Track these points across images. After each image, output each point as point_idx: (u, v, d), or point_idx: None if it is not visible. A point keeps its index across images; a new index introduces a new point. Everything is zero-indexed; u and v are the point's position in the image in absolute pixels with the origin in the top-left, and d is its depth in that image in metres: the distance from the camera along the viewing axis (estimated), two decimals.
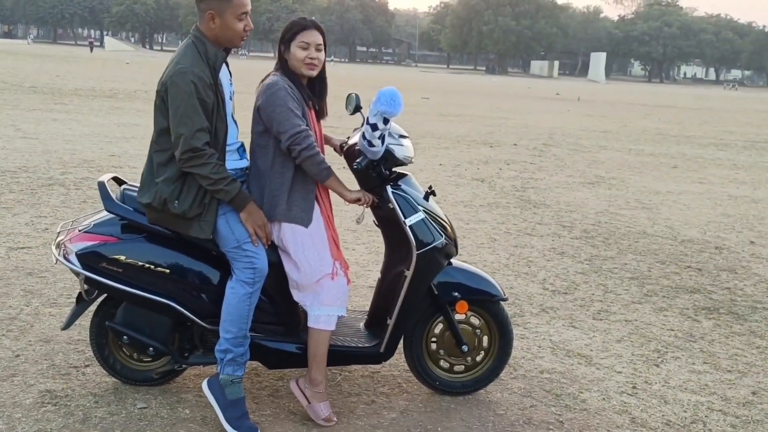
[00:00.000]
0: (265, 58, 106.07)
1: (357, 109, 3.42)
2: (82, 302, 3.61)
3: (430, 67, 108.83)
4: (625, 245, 7.33)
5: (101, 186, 3.44)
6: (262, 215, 3.29)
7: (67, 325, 3.63)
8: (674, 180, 12.02)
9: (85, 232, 3.43)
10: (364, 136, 3.28)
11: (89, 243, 3.39)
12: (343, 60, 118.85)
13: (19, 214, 6.89)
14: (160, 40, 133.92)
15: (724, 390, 4.10)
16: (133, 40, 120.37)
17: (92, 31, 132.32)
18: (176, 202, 3.19)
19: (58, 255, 3.45)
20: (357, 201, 3.38)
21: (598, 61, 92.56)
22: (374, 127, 3.22)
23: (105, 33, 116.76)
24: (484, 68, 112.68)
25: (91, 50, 76.63)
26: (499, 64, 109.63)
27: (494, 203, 9.07)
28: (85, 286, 3.47)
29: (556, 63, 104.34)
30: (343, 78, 43.21)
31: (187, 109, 3.11)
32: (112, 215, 3.45)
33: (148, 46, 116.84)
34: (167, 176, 3.21)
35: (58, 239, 3.53)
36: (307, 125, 3.28)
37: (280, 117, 3.23)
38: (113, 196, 3.45)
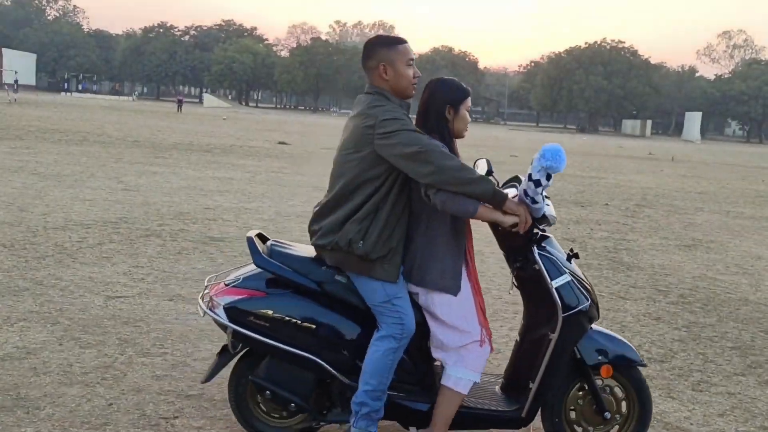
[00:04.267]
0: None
1: (489, 174, 3.45)
2: (224, 355, 3.64)
3: (519, 125, 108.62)
4: (726, 312, 6.99)
5: (250, 242, 3.52)
6: (517, 205, 3.24)
7: (209, 378, 3.66)
8: None
9: (233, 286, 3.50)
10: (526, 193, 3.23)
11: (237, 297, 3.45)
12: None
13: (118, 264, 7.13)
14: (255, 97, 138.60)
15: None
16: (230, 96, 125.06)
17: (191, 89, 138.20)
18: (361, 242, 3.25)
19: (205, 308, 3.52)
20: (515, 225, 3.25)
21: (694, 120, 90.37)
22: (537, 183, 3.18)
23: (204, 90, 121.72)
24: (574, 127, 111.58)
25: (179, 109, 59.09)
26: (589, 122, 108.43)
27: (585, 264, 8.84)
28: (232, 340, 3.52)
29: (649, 122, 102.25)
30: None
31: (410, 133, 3.18)
32: (257, 270, 3.52)
33: (244, 103, 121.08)
34: (355, 217, 3.27)
35: (204, 292, 3.61)
36: None
37: None
38: (261, 251, 3.52)
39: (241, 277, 3.54)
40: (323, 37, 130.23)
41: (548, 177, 3.18)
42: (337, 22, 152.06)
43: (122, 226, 9.03)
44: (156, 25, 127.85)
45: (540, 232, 3.45)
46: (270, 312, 3.40)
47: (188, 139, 26.23)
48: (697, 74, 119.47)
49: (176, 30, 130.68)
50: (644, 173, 25.92)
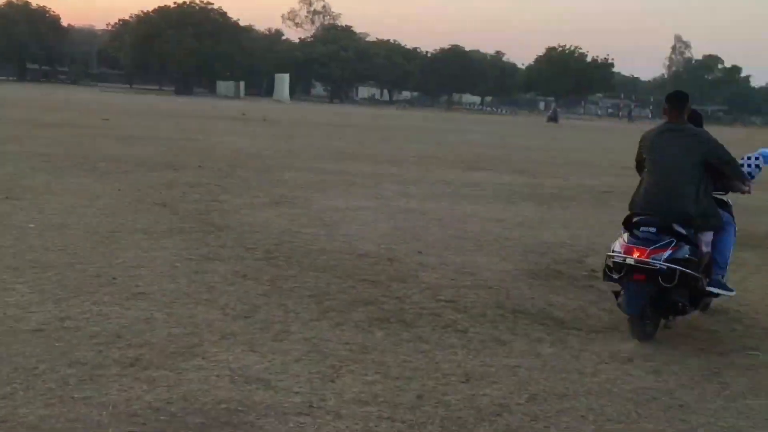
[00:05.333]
0: None
1: None
2: None
3: (111, 87, 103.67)
4: (306, 263, 7.52)
5: None
6: None
7: None
8: (353, 196, 12.67)
9: None
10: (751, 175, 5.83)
11: None
12: (11, 78, 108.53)
13: None
14: None
15: (393, 397, 4.34)
16: None
17: None
18: None
19: None
20: None
21: (282, 81, 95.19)
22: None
23: None
24: (171, 88, 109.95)
25: None
26: (184, 84, 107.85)
27: (176, 228, 8.82)
28: None
29: (242, 84, 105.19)
30: (12, 101, 39.71)
31: None
32: None
33: None
34: None
35: None
36: None
37: None
38: None
39: None
40: None
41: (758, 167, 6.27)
42: None
43: None
44: None
45: None
46: None
47: None
48: (284, 38, 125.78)
49: None
50: (238, 134, 26.61)
